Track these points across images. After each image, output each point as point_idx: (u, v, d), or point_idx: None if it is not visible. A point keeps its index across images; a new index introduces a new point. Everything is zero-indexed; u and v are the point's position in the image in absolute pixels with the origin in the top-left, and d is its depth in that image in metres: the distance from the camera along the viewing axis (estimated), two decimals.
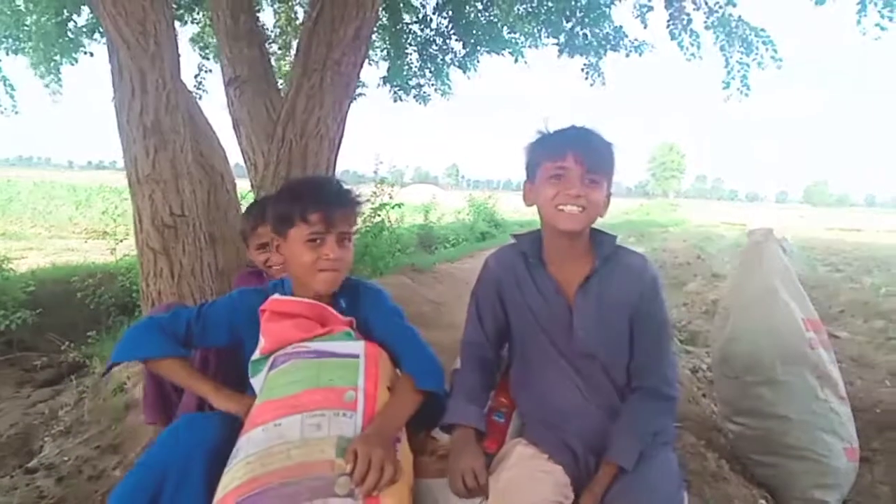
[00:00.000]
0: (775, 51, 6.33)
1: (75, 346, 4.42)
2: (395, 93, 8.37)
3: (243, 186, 5.01)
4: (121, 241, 6.69)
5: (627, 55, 7.24)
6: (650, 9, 6.65)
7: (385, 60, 8.25)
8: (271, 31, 8.31)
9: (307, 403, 1.53)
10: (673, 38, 6.64)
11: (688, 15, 6.46)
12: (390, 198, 6.98)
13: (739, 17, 6.27)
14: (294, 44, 7.11)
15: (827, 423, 2.60)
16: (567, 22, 7.09)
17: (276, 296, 1.79)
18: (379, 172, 7.07)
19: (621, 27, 7.14)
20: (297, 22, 7.68)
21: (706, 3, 6.33)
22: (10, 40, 6.96)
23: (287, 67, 6.24)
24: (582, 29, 7.13)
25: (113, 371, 3.52)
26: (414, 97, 8.45)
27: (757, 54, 6.35)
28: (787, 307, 2.75)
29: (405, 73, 8.11)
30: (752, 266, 2.93)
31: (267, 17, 8.31)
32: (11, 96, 7.60)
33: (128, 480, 1.56)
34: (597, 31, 7.11)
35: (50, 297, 5.67)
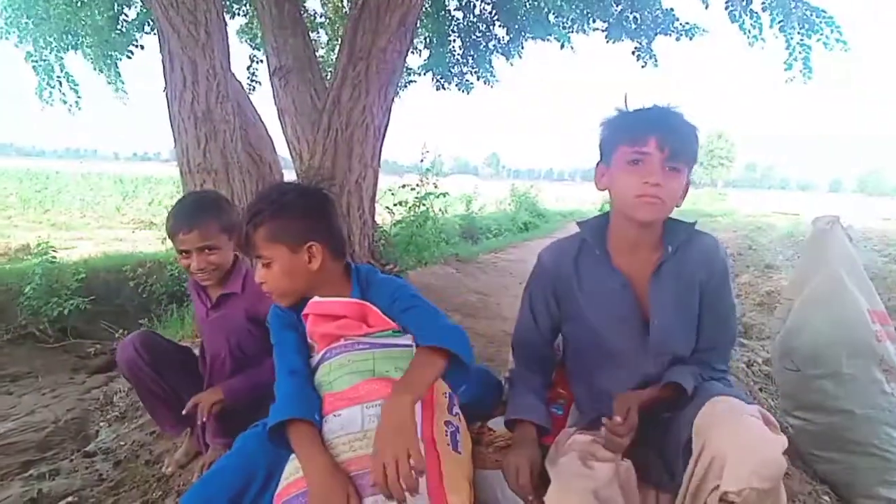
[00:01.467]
0: (840, 33, 5.99)
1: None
2: (437, 81, 8.28)
3: (289, 176, 5.04)
4: None
5: (678, 39, 7.02)
6: None
7: (427, 48, 8.19)
8: (321, 20, 8.35)
9: (365, 395, 1.53)
10: (733, 20, 6.38)
11: None
12: (435, 187, 6.92)
13: None
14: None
15: (893, 419, 2.49)
16: (617, 5, 6.93)
17: (316, 298, 1.72)
18: (424, 163, 7.00)
19: (672, 10, 6.93)
20: (345, 11, 7.69)
21: None
22: (69, 36, 7.11)
23: (336, 57, 6.27)
24: (632, 12, 6.95)
25: None
26: (456, 85, 8.35)
27: (821, 34, 6.03)
28: (853, 298, 2.63)
29: (447, 60, 8.01)
30: (816, 255, 2.81)
31: (315, 4, 8.35)
32: (76, 91, 7.78)
33: (204, 486, 1.55)
34: (647, 14, 6.90)
35: (102, 286, 5.81)
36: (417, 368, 1.52)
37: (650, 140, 1.49)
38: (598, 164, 1.67)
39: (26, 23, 7.01)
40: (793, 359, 2.72)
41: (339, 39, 5.98)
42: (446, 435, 1.60)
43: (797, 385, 2.73)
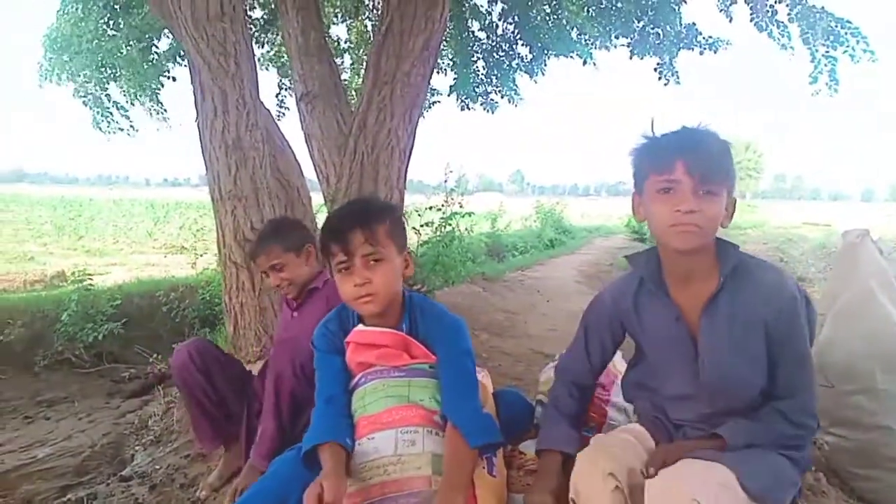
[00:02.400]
0: (867, 44, 5.80)
1: (161, 358, 4.56)
2: (462, 101, 8.27)
3: (316, 200, 5.10)
4: (200, 255, 6.93)
5: (701, 53, 6.96)
6: (734, 1, 6.28)
7: (452, 69, 8.23)
8: (344, 45, 8.45)
9: (399, 420, 1.55)
10: (761, 30, 6.24)
11: (772, 6, 6.07)
12: (460, 207, 6.93)
13: (822, 7, 5.84)
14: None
15: None
16: (638, 21, 6.89)
17: (361, 327, 1.76)
18: (448, 182, 7.02)
19: (694, 24, 6.87)
20: (369, 36, 7.78)
21: None
22: (106, 69, 7.31)
23: (360, 81, 6.37)
24: (654, 28, 6.89)
25: None
26: (481, 105, 8.34)
27: (847, 46, 5.85)
28: (886, 312, 2.60)
29: (472, 80, 8.01)
30: (846, 269, 2.78)
31: (340, 31, 8.47)
32: (127, 117, 8.02)
33: None
34: (668, 29, 6.84)
35: (136, 311, 5.92)
36: (461, 465, 1.53)
37: (677, 165, 1.43)
38: (633, 193, 1.62)
39: (64, 59, 7.21)
40: (826, 374, 2.68)
41: (364, 64, 6.05)
42: (482, 458, 1.61)
43: (832, 401, 2.68)
